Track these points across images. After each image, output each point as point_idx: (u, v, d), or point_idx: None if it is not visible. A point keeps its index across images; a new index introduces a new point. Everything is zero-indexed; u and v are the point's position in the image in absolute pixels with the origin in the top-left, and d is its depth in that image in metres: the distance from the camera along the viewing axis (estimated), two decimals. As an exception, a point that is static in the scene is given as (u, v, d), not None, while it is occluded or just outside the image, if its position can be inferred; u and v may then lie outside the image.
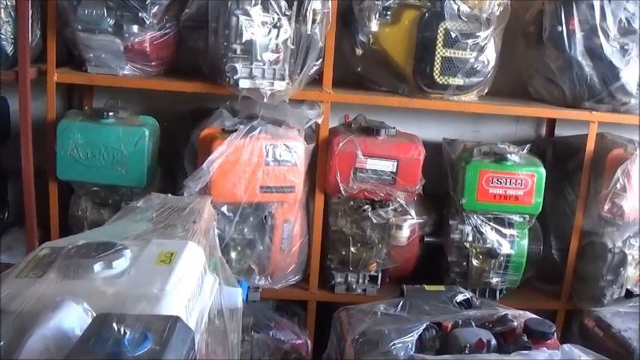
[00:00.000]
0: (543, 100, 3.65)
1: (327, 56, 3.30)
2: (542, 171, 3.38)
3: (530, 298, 3.68)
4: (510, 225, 3.48)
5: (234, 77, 3.10)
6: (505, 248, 3.46)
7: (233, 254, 3.30)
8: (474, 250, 3.48)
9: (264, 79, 3.13)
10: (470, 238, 3.47)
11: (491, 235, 3.45)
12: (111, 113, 3.25)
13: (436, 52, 3.28)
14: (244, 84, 3.11)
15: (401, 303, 2.64)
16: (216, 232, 2.48)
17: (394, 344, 2.35)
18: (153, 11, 3.17)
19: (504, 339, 2.40)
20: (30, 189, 3.23)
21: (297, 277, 3.55)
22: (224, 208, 3.20)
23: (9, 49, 3.20)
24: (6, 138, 3.52)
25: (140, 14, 3.15)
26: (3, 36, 3.16)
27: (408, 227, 3.48)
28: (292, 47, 3.14)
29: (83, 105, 3.76)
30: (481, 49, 3.30)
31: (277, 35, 3.08)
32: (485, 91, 3.49)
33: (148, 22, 3.18)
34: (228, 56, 3.08)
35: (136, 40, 3.21)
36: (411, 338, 2.38)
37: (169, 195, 2.56)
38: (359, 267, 3.50)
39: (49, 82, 3.27)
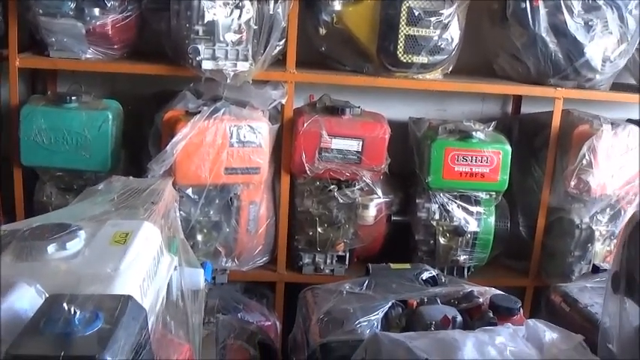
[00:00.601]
0: (508, 77, 3.64)
1: (290, 36, 3.28)
2: (508, 148, 3.38)
3: (498, 275, 3.70)
4: (477, 202, 3.48)
5: (197, 59, 3.09)
6: (472, 226, 3.46)
7: (199, 237, 3.29)
8: (441, 229, 3.48)
9: (227, 60, 3.11)
10: (436, 217, 3.47)
11: (457, 213, 3.45)
12: (74, 98, 3.22)
13: (399, 31, 3.27)
14: (207, 65, 3.10)
15: (366, 282, 2.66)
16: (178, 213, 2.46)
17: (359, 322, 2.36)
18: (113, -7, 3.15)
19: (470, 315, 2.41)
20: (-6, 176, 3.22)
21: (264, 259, 3.53)
22: (189, 191, 3.19)
23: (-30, 35, 3.18)
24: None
25: (101, -3, 3.13)
26: (-37, 22, 3.13)
27: (375, 206, 3.48)
28: (255, 27, 3.12)
29: (47, 90, 3.71)
30: (444, 27, 3.29)
31: (239, 16, 3.06)
32: (450, 68, 3.48)
33: (109, 5, 3.15)
34: (191, 38, 3.06)
35: (98, 23, 3.17)
36: (377, 316, 2.39)
37: (130, 177, 2.54)
38: (326, 247, 3.49)
39: (11, 67, 3.24)
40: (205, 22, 3.02)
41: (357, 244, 3.53)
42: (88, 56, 3.27)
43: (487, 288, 2.59)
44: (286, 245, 3.55)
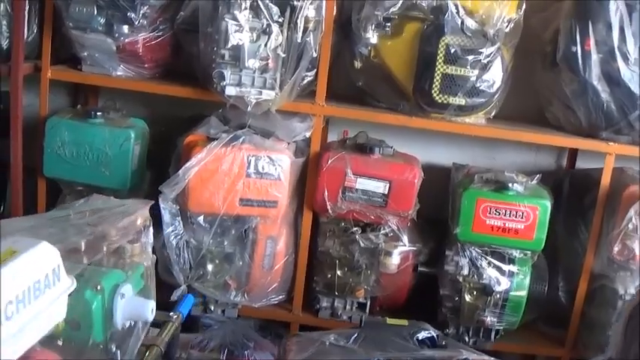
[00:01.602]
0: (561, 127, 3.32)
1: (321, 67, 3.11)
2: (547, 204, 3.07)
3: (531, 341, 3.41)
4: (511, 261, 3.16)
5: (222, 84, 2.98)
6: (503, 285, 3.15)
7: (210, 267, 3.16)
8: (468, 285, 3.18)
9: (252, 87, 2.99)
10: (464, 272, 3.17)
11: (488, 270, 3.14)
12: (99, 113, 3.20)
13: (436, 69, 3.03)
14: (230, 91, 2.99)
15: (355, 335, 2.42)
16: (150, 239, 2.34)
17: (330, 380, 2.17)
18: (142, 12, 3.07)
19: (459, 388, 2.19)
20: (17, 185, 3.22)
21: (280, 297, 3.34)
22: (200, 219, 3.06)
23: (4, 43, 3.19)
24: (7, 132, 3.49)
25: (129, 14, 3.05)
26: (-1, 30, 3.15)
27: (399, 254, 3.21)
28: (283, 56, 2.98)
29: (89, 104, 3.70)
30: (484, 67, 3.02)
31: (267, 42, 2.93)
32: (493, 113, 3.21)
33: (137, 23, 3.08)
34: (217, 62, 2.96)
35: (127, 40, 3.13)
36: (350, 375, 2.20)
37: (112, 198, 2.44)
38: (345, 292, 3.28)
39: (42, 78, 3.25)
40: (230, 46, 2.90)
41: (379, 292, 3.30)
42: (118, 73, 3.24)
43: (486, 357, 2.35)
44: (304, 286, 3.36)
